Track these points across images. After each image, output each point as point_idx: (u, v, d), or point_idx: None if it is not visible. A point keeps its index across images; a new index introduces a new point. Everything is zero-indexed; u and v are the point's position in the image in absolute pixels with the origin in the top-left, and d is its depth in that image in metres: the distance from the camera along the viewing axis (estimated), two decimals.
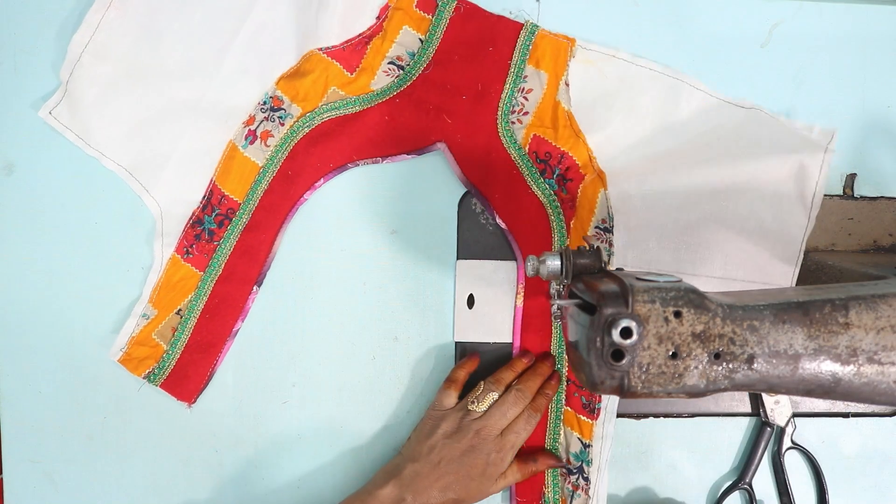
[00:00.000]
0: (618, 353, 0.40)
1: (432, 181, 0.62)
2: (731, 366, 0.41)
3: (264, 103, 0.60)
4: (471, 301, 0.62)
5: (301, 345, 0.62)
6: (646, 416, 0.63)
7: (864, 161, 0.64)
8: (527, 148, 0.60)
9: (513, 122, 0.60)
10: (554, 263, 0.48)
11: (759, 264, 0.61)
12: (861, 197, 0.64)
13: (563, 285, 0.49)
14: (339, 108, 0.60)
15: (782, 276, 0.61)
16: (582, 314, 0.43)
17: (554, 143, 0.60)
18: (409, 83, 0.60)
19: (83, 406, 0.61)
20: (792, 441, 0.62)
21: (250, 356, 0.61)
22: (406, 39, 0.60)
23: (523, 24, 0.60)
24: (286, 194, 0.60)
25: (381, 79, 0.60)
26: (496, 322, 0.62)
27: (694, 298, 0.41)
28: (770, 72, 0.64)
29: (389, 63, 0.60)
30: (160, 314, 0.59)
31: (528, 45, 0.60)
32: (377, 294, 0.62)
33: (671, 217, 0.61)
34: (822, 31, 0.64)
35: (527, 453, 0.60)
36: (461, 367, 0.61)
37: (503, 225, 0.60)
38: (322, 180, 0.60)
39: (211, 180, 0.60)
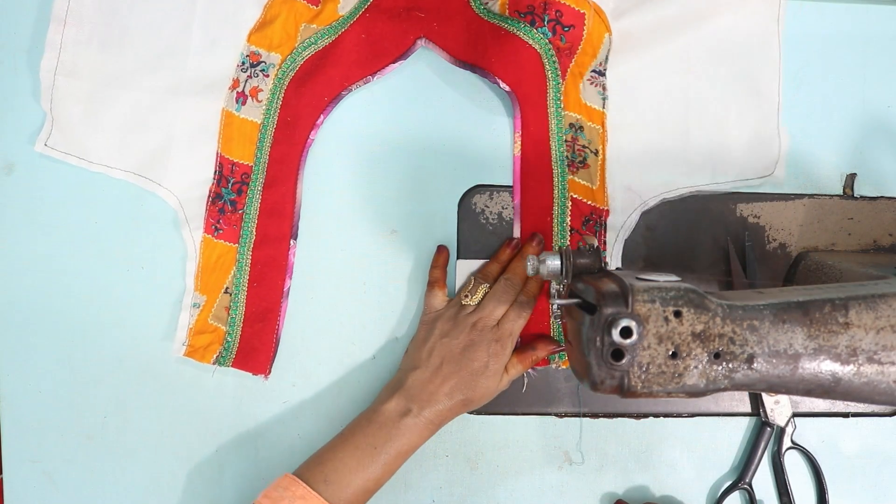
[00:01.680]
0: (618, 353, 0.40)
1: (432, 181, 0.62)
2: (730, 365, 0.41)
3: (242, 63, 0.60)
4: None
5: (301, 344, 0.62)
6: (646, 415, 0.63)
7: (864, 161, 0.64)
8: (507, 11, 0.60)
9: None
10: (554, 263, 0.48)
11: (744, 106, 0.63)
12: (861, 197, 0.64)
13: (563, 285, 0.49)
14: (316, 42, 0.60)
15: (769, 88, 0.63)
16: (582, 314, 0.43)
17: None
18: None
19: (83, 406, 0.61)
20: (792, 441, 0.62)
21: None
22: None
23: None
24: (292, 141, 0.60)
25: (346, 1, 0.61)
26: None
27: (694, 298, 0.41)
28: None
29: None
30: (210, 298, 0.59)
31: None
32: (377, 294, 0.62)
33: (664, 48, 0.62)
34: (822, 31, 0.64)
35: (525, 342, 0.60)
36: (435, 265, 0.61)
37: (507, 88, 0.60)
38: (322, 117, 0.61)
39: (217, 153, 0.60)
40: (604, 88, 0.61)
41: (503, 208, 0.62)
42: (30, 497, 0.60)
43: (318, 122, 0.61)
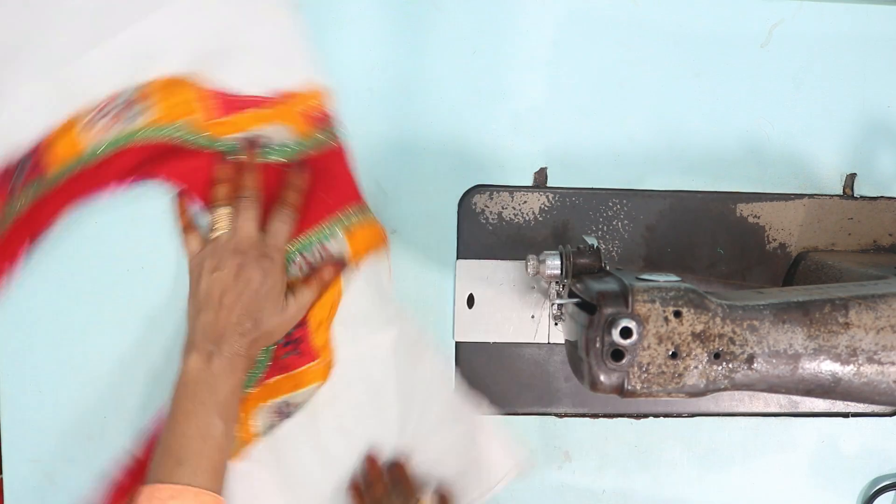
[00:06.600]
0: (618, 353, 0.40)
1: (432, 181, 0.62)
2: (730, 365, 0.41)
3: (120, 96, 0.56)
4: (471, 301, 0.62)
5: None
6: (646, 416, 0.63)
7: (864, 161, 0.64)
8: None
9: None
10: (554, 263, 0.48)
11: None
12: (861, 197, 0.64)
13: (563, 285, 0.49)
14: (186, 137, 0.57)
15: None
16: (582, 314, 0.43)
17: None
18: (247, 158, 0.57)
19: (83, 406, 0.61)
20: None
21: None
22: (272, 132, 0.58)
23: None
24: (89, 183, 0.57)
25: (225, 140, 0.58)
26: (496, 322, 0.62)
27: (694, 298, 0.41)
28: (770, 72, 0.64)
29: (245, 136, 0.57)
30: None
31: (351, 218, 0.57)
32: None
33: None
34: (822, 31, 0.64)
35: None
36: (178, 214, 0.58)
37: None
38: (126, 185, 0.58)
39: (39, 144, 0.55)
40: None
41: (503, 208, 0.62)
42: (30, 497, 0.60)
43: (117, 187, 0.57)
